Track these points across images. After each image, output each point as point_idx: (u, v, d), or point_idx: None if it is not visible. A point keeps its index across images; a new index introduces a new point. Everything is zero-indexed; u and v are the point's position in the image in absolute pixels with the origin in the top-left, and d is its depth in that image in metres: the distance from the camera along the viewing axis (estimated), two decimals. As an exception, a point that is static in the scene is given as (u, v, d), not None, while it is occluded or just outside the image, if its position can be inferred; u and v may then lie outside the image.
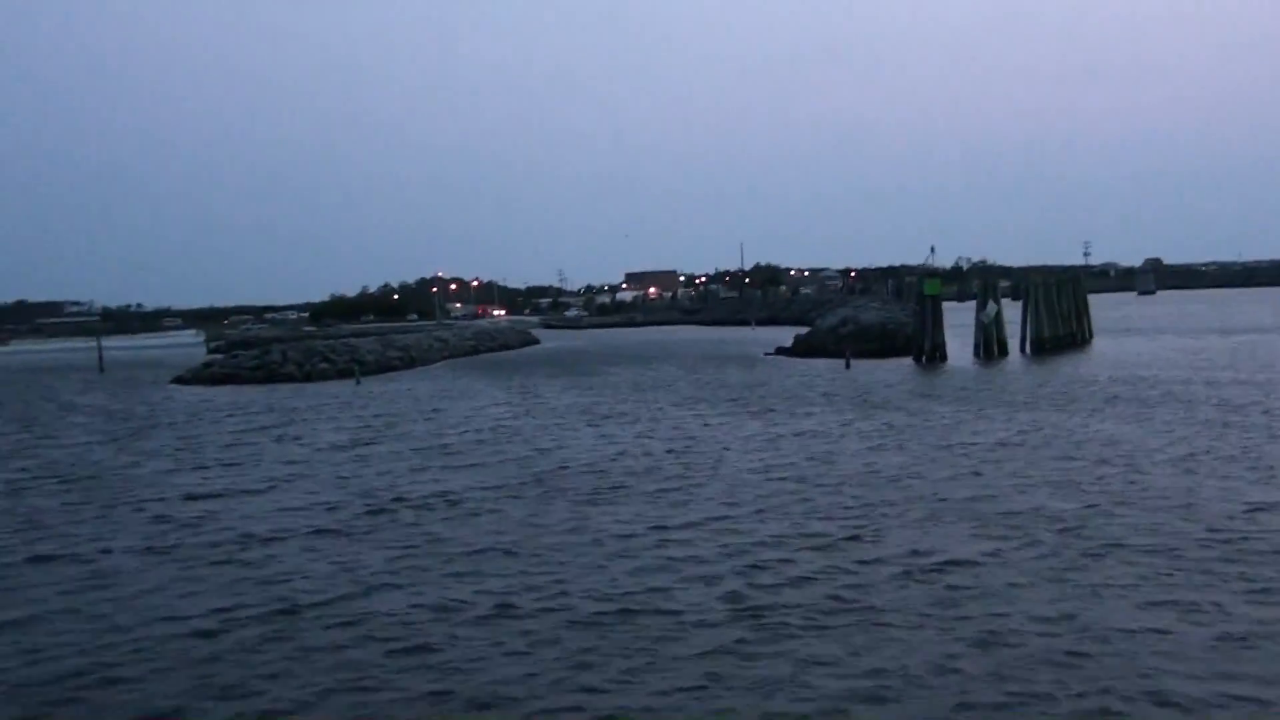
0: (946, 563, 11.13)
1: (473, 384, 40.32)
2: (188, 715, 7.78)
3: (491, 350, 69.17)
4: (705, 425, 23.94)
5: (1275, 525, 12.16)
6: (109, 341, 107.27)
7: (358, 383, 43.09)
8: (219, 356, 56.61)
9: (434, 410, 30.27)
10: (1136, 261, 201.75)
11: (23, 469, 21.57)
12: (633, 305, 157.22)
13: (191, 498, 17.04)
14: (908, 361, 41.08)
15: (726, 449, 20.09)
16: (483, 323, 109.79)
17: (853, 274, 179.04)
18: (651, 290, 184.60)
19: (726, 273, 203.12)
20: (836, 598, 10.07)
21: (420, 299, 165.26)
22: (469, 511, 15.00)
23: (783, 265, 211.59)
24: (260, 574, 11.75)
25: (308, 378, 46.03)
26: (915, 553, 11.62)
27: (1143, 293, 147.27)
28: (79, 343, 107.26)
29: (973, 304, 44.70)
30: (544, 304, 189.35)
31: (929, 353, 40.81)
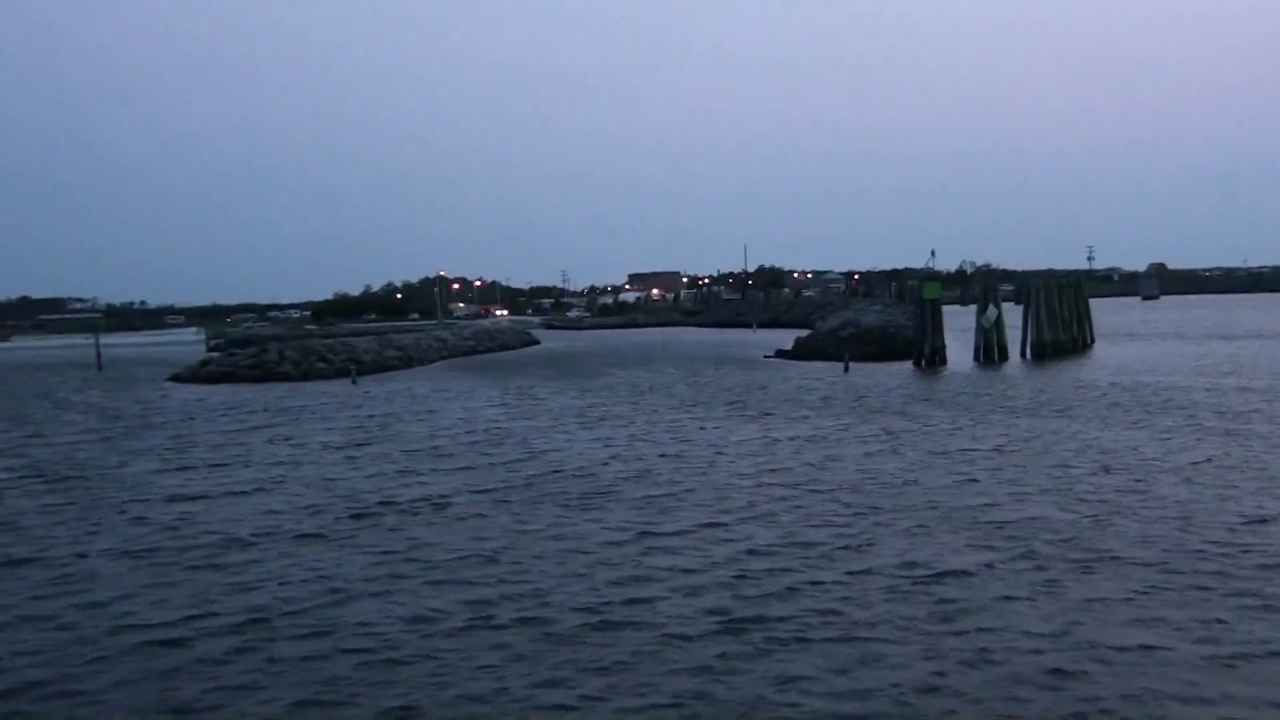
0: (939, 574, 10.85)
1: (469, 385, 40.07)
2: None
3: (491, 350, 68.94)
4: (701, 429, 23.66)
5: (1272, 539, 11.86)
6: (110, 339, 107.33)
7: (354, 382, 42.86)
8: (216, 355, 56.40)
9: (428, 411, 30.02)
10: (1141, 266, 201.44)
11: (8, 468, 21.33)
12: (635, 306, 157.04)
13: (175, 499, 16.78)
14: (907, 365, 40.78)
15: (721, 453, 19.82)
16: (483, 323, 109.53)
17: (856, 277, 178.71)
18: (654, 291, 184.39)
19: (730, 274, 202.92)
20: (824, 611, 9.79)
21: (423, 298, 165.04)
22: (455, 516, 14.74)
23: (786, 267, 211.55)
24: (235, 580, 11.49)
25: (304, 377, 45.82)
26: (908, 564, 11.34)
27: (1146, 298, 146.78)
28: (80, 339, 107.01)
29: (976, 308, 44.38)
30: (546, 304, 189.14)
31: (929, 357, 40.51)
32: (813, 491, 15.63)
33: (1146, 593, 9.99)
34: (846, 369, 39.90)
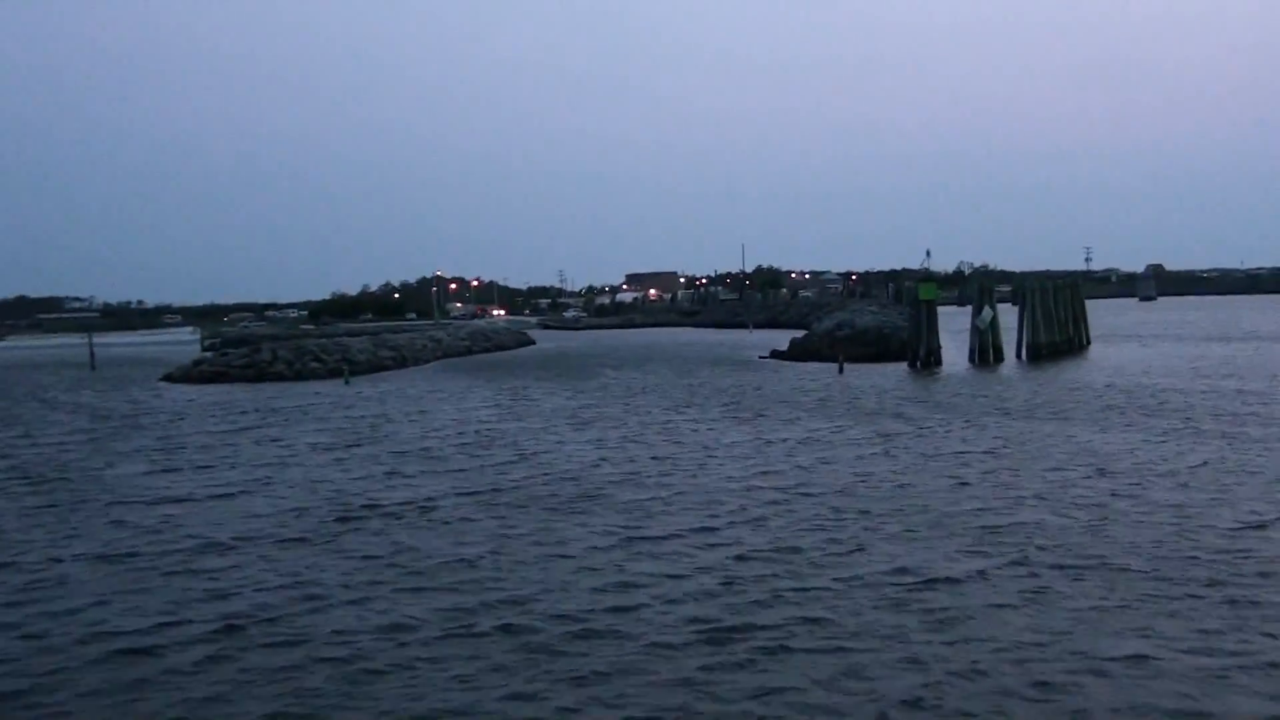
0: (929, 581, 10.66)
1: (463, 385, 39.85)
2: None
3: (486, 351, 68.70)
4: (693, 430, 23.46)
5: (1263, 547, 11.66)
6: (106, 338, 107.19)
7: (346, 383, 42.61)
8: (210, 355, 56.15)
9: (420, 412, 29.80)
10: (1139, 267, 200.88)
11: (-7, 469, 21.08)
12: (632, 307, 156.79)
13: (157, 502, 16.56)
14: (902, 366, 40.59)
15: (712, 455, 19.62)
16: (479, 323, 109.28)
17: (854, 277, 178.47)
18: (652, 292, 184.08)
19: (727, 275, 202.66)
20: (810, 619, 9.59)
21: (420, 298, 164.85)
22: (440, 520, 14.53)
23: (784, 268, 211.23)
24: (212, 586, 11.27)
25: (298, 377, 45.59)
26: (897, 570, 11.15)
27: (1144, 299, 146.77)
28: (75, 339, 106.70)
29: (971, 309, 44.21)
30: (543, 304, 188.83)
31: (924, 358, 40.32)
32: (804, 495, 15.44)
33: (1139, 601, 9.79)
34: (841, 370, 39.69)
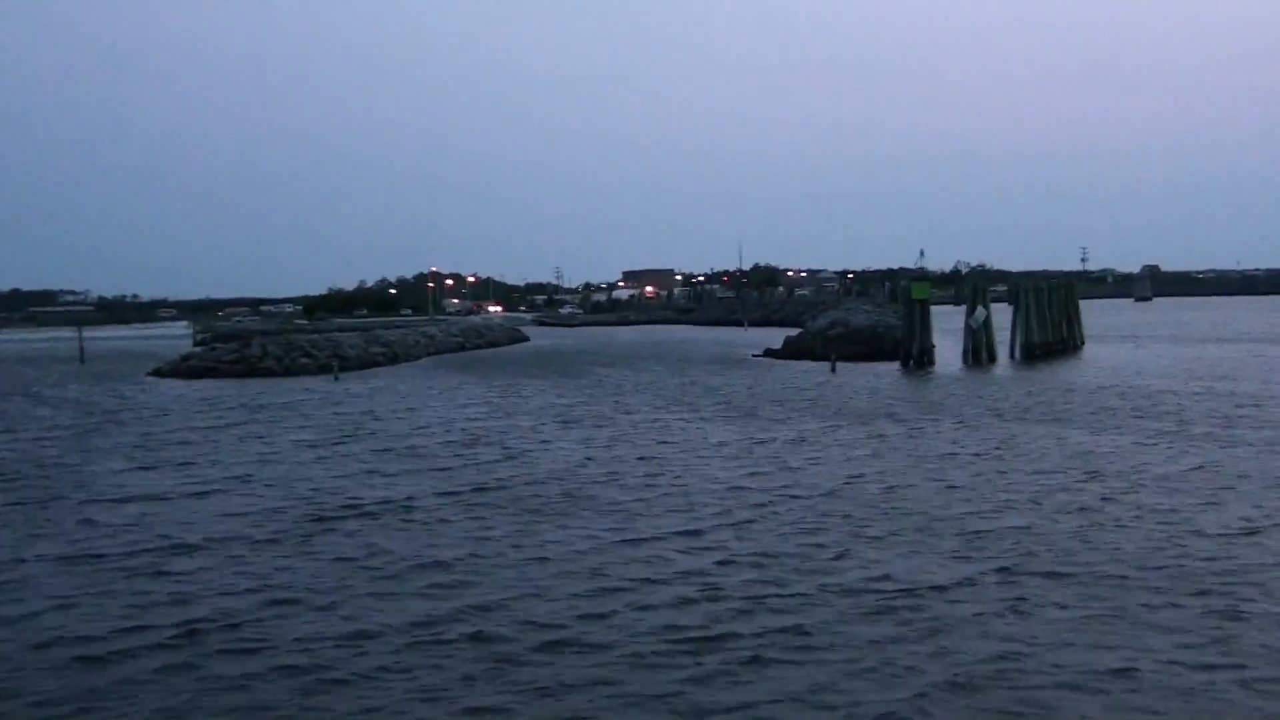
0: (912, 589, 10.37)
1: (453, 382, 39.55)
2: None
3: (479, 347, 68.40)
4: (682, 430, 23.19)
5: (1254, 554, 11.39)
6: (99, 332, 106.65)
7: (336, 379, 42.30)
8: (199, 349, 55.79)
9: (408, 409, 29.51)
10: (1134, 268, 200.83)
11: (-32, 466, 20.75)
12: (628, 304, 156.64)
13: (131, 500, 16.25)
14: (895, 366, 40.33)
15: (699, 456, 19.34)
16: (473, 319, 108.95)
17: (850, 276, 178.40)
18: (648, 289, 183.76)
19: (724, 272, 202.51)
20: (789, 629, 9.30)
21: (416, 294, 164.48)
22: (417, 521, 14.24)
23: (781, 266, 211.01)
24: (176, 589, 10.97)
25: (287, 372, 45.26)
26: (881, 577, 10.86)
27: (1139, 299, 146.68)
28: (68, 332, 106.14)
29: (965, 308, 43.97)
30: (539, 301, 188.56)
31: (917, 357, 40.07)
32: (790, 498, 15.16)
33: (1127, 611, 9.52)
34: (834, 369, 39.43)
